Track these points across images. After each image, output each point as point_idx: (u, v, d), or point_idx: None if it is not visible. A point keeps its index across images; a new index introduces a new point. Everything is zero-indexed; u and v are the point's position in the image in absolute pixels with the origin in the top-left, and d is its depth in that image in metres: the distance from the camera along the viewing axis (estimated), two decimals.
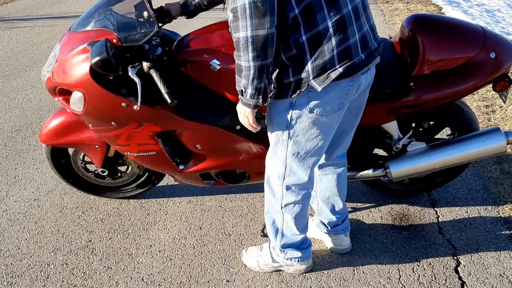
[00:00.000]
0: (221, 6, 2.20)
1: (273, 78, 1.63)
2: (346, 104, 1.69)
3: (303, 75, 1.57)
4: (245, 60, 1.46)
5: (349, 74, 1.58)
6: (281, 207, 1.92)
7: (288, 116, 1.68)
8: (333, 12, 1.50)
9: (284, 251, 2.05)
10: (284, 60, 1.56)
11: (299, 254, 2.06)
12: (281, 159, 1.80)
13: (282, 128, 1.72)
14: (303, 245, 2.07)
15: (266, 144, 2.14)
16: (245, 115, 1.64)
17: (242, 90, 1.55)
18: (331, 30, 1.51)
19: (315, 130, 1.70)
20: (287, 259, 2.07)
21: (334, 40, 1.52)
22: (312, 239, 2.31)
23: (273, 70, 1.61)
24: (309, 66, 1.55)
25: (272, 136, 1.79)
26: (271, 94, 1.66)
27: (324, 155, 2.02)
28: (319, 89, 1.57)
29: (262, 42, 1.42)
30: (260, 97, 1.54)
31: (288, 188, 1.87)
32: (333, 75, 1.55)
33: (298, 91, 1.60)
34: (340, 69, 1.55)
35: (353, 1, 1.55)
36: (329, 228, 2.19)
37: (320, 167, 2.06)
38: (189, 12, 2.13)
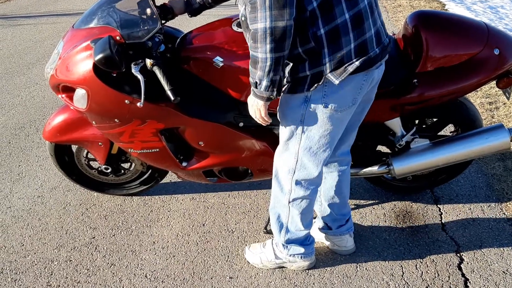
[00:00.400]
0: (225, 3, 2.19)
1: (286, 72, 1.62)
2: (359, 99, 1.70)
3: (320, 68, 1.57)
4: (262, 52, 1.46)
5: (365, 68, 1.59)
6: (289, 202, 1.92)
7: (303, 111, 1.67)
8: (351, 6, 1.52)
9: (287, 247, 2.06)
10: (300, 53, 1.56)
11: (302, 250, 2.06)
12: (293, 152, 1.80)
13: (296, 123, 1.72)
14: (306, 241, 2.07)
15: (269, 141, 2.14)
16: (257, 108, 1.63)
17: (256, 82, 1.54)
18: (349, 24, 1.52)
19: (329, 125, 1.70)
20: (290, 255, 2.07)
21: (351, 34, 1.54)
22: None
23: (286, 64, 1.61)
24: (326, 60, 1.55)
25: (284, 131, 1.78)
26: (283, 88, 1.66)
27: (338, 151, 2.02)
28: (336, 82, 1.58)
29: (280, 33, 1.42)
30: (275, 89, 1.54)
31: (297, 182, 1.87)
32: (350, 68, 1.56)
33: (315, 85, 1.59)
34: (357, 63, 1.57)
35: None
36: (333, 229, 2.18)
37: (325, 164, 2.06)
38: (193, 10, 2.11)
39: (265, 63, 1.47)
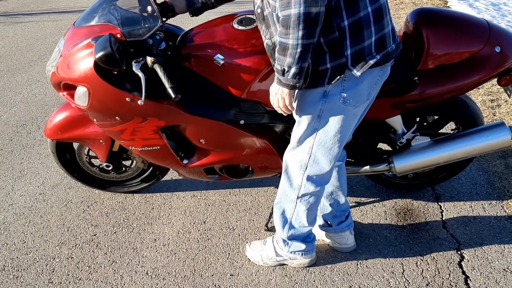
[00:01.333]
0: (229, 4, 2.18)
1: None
2: (372, 94, 1.73)
3: (341, 61, 1.58)
4: (293, 38, 1.45)
5: (384, 62, 1.63)
6: (297, 197, 1.92)
7: (321, 106, 1.68)
8: (374, 1, 1.55)
9: (288, 243, 2.06)
10: (322, 44, 1.56)
11: (303, 246, 2.06)
12: (306, 147, 1.80)
13: (313, 118, 1.72)
14: (308, 238, 2.08)
15: (269, 138, 2.14)
16: (281, 96, 1.62)
17: (284, 69, 1.53)
18: (371, 17, 1.55)
19: (345, 120, 1.72)
20: (291, 252, 2.07)
21: (373, 28, 1.57)
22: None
23: None
24: (348, 52, 1.57)
25: (300, 125, 1.78)
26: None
27: None
28: (358, 74, 1.59)
29: (313, 19, 1.42)
30: (302, 77, 1.54)
31: (309, 178, 1.87)
32: (371, 61, 1.59)
33: (337, 77, 1.60)
34: (378, 56, 1.60)
35: None
36: (333, 226, 2.18)
37: None
38: (195, 9, 2.10)
39: (296, 50, 1.47)
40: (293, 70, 1.51)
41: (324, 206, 2.15)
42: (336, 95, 1.65)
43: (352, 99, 1.67)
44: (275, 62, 1.65)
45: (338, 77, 1.61)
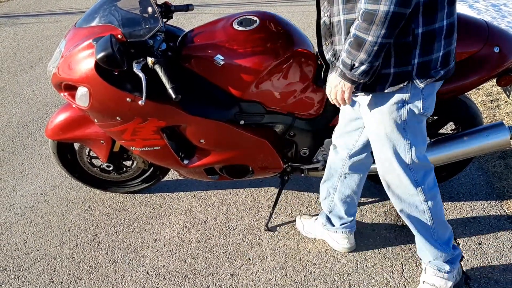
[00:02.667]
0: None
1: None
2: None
3: (407, 68, 1.52)
4: (374, 35, 1.39)
5: (445, 78, 1.59)
6: (429, 210, 1.80)
7: (403, 117, 1.62)
8: (450, 15, 1.50)
9: (451, 261, 1.92)
10: (390, 46, 1.50)
11: (458, 252, 1.95)
12: (406, 166, 1.72)
13: (399, 132, 1.65)
14: (451, 242, 1.94)
15: (269, 138, 2.15)
16: (341, 89, 1.55)
17: (354, 65, 1.47)
18: (444, 31, 1.51)
19: (424, 126, 1.68)
20: (456, 268, 1.95)
21: (443, 42, 1.52)
22: (314, 240, 2.32)
23: None
24: (415, 61, 1.51)
25: (387, 146, 1.70)
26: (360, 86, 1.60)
27: (365, 153, 1.98)
28: (421, 86, 1.55)
29: (399, 20, 1.37)
30: (369, 76, 1.49)
31: (424, 185, 1.77)
32: (436, 76, 1.55)
33: (400, 85, 1.54)
34: (442, 72, 1.56)
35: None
36: (336, 226, 2.18)
37: (351, 166, 2.01)
38: None
39: (373, 47, 1.41)
40: (363, 67, 1.46)
41: (335, 206, 2.13)
42: (416, 103, 1.59)
43: (429, 108, 1.62)
44: (327, 42, 1.61)
45: (402, 85, 1.54)
